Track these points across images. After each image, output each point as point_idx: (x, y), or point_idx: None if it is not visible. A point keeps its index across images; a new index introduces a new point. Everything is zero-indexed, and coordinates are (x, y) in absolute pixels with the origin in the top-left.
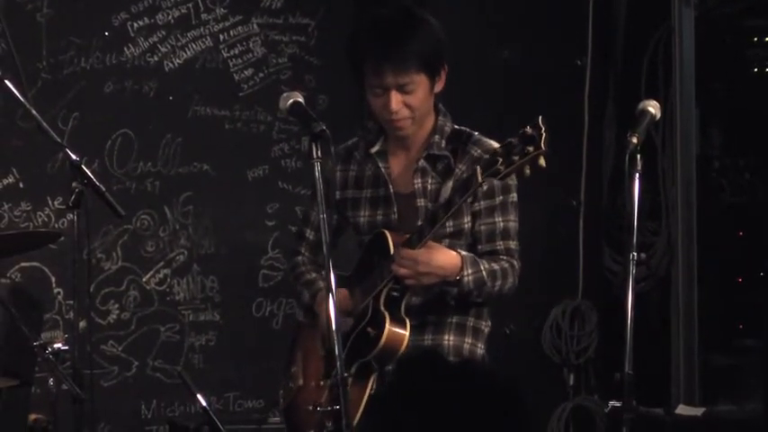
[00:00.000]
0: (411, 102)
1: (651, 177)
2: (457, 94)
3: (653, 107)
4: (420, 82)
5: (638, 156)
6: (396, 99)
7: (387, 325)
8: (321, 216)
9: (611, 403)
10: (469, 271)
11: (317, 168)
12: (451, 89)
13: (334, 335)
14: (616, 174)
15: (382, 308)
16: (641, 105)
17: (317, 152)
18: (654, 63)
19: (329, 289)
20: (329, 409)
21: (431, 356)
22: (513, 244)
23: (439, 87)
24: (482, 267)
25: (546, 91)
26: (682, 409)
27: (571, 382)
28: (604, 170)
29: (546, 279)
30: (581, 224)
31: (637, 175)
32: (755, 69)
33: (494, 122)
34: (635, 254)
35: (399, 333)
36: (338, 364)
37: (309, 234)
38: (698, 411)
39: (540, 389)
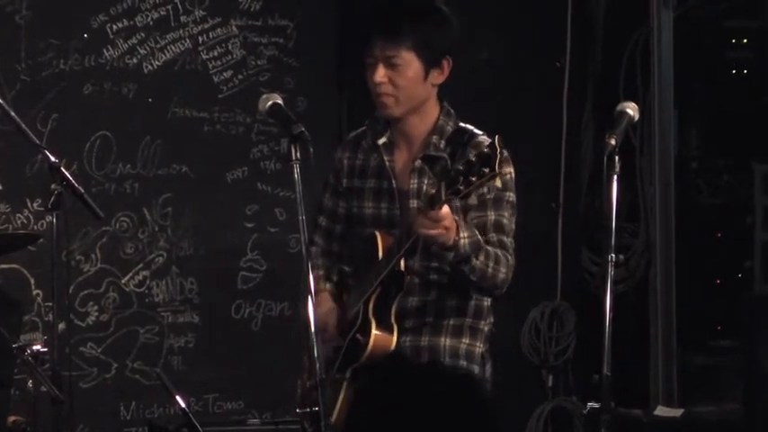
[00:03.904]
0: (396, 79)
1: (629, 179)
2: None
3: (631, 109)
4: (409, 61)
5: (616, 157)
6: (380, 71)
7: (373, 331)
8: (300, 218)
9: (590, 404)
10: (465, 234)
11: (296, 170)
12: None
13: (313, 337)
14: (594, 175)
15: (370, 315)
16: (619, 107)
17: (296, 154)
18: (632, 64)
19: (308, 291)
20: (307, 410)
21: (427, 358)
22: (506, 239)
23: (439, 79)
24: (478, 234)
25: (524, 92)
26: (660, 410)
27: (550, 384)
28: (583, 172)
29: (524, 281)
30: (559, 226)
31: (615, 176)
32: (734, 71)
33: (472, 124)
34: (613, 255)
35: (386, 338)
36: (317, 366)
37: (322, 221)
38: (677, 412)
39: (518, 390)
